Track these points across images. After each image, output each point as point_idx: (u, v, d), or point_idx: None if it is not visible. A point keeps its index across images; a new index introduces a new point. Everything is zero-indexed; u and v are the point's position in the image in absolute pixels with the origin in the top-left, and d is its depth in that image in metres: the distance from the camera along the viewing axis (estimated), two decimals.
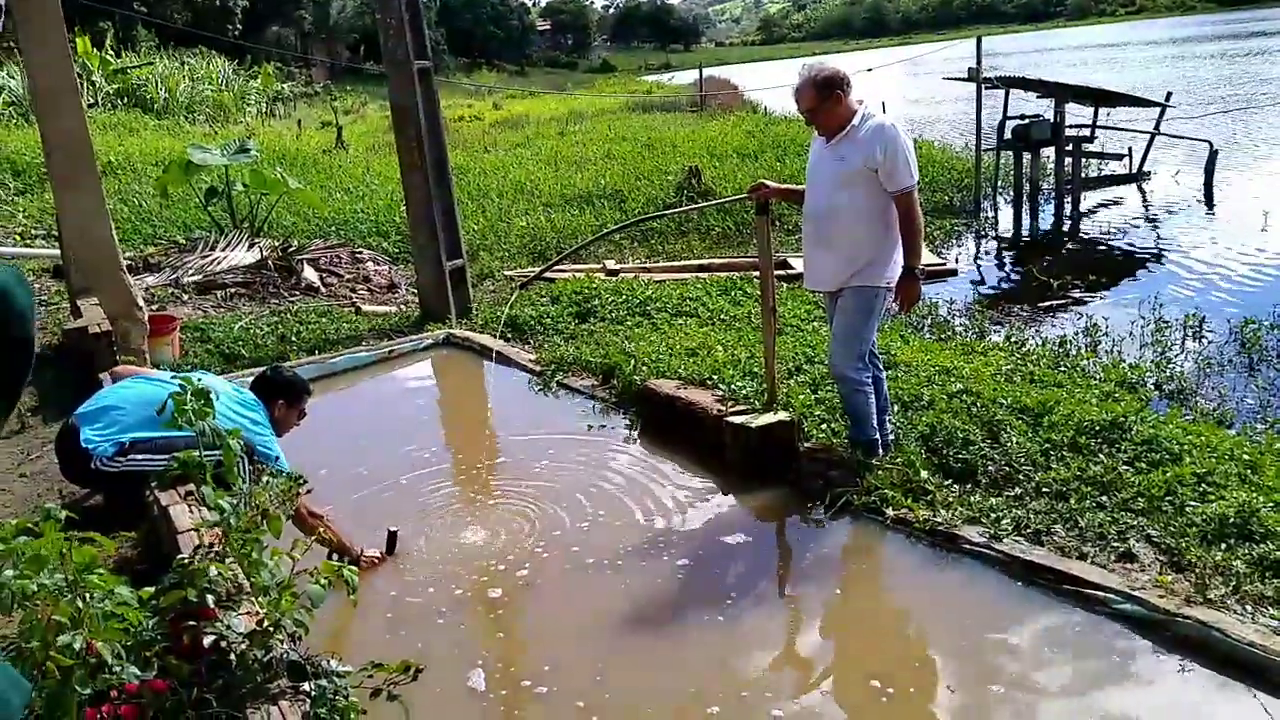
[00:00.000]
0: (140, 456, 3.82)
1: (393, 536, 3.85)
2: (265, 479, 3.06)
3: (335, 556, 3.60)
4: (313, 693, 2.22)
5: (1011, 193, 12.96)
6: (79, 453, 3.88)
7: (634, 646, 3.22)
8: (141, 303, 5.81)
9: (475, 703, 2.95)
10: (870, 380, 4.24)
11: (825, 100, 4.01)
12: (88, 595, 2.04)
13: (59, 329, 6.92)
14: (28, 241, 10.62)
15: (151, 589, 2.29)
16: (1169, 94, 13.78)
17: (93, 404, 4.11)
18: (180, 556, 2.45)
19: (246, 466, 3.48)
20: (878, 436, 4.25)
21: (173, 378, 4.07)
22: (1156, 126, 13.22)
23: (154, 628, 2.22)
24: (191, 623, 2.22)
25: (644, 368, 5.40)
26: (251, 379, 4.51)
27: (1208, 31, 50.37)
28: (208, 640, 2.21)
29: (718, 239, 10.86)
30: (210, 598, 2.28)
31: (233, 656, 2.21)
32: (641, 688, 3.00)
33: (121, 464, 3.84)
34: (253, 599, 2.40)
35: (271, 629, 2.28)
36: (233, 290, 8.30)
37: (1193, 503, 3.62)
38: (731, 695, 2.91)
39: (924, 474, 4.02)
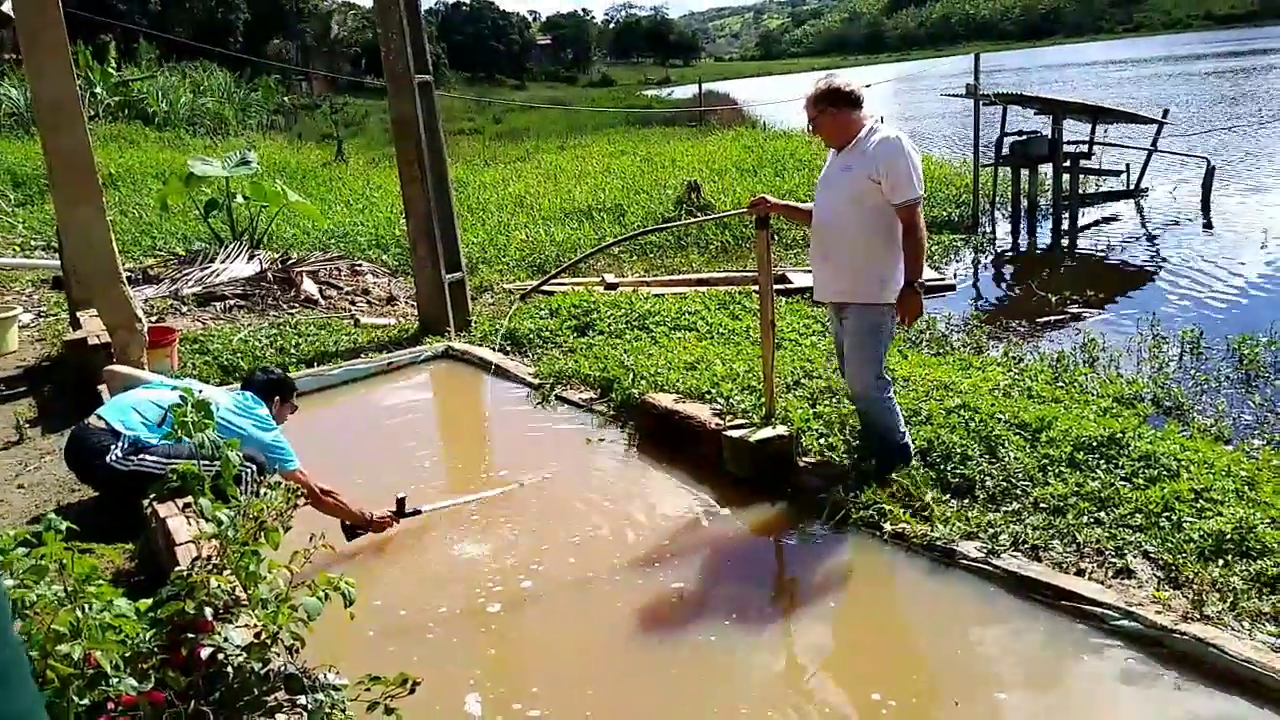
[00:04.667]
0: (150, 459, 3.90)
1: (401, 502, 4.04)
2: (265, 491, 3.07)
3: (350, 526, 3.90)
4: (309, 706, 2.22)
5: (1009, 208, 13.01)
6: (109, 437, 3.96)
7: (631, 663, 3.22)
8: (141, 315, 5.82)
9: None
10: (892, 392, 4.28)
11: (822, 113, 4.10)
12: (87, 606, 2.04)
13: (58, 340, 6.93)
14: (28, 253, 10.65)
15: (149, 601, 2.29)
16: (1165, 111, 13.84)
17: (113, 404, 4.22)
18: (179, 568, 2.45)
19: (249, 476, 3.52)
20: (908, 441, 4.26)
21: (174, 388, 4.17)
22: (1154, 143, 13.27)
23: (151, 639, 2.21)
24: (189, 635, 2.21)
25: (642, 381, 5.40)
26: (241, 382, 4.63)
27: (1199, 50, 50.63)
28: (205, 652, 2.21)
29: (717, 253, 10.90)
30: (209, 610, 2.28)
31: (230, 669, 2.21)
32: (639, 707, 2.99)
33: (133, 463, 3.90)
34: (250, 611, 2.40)
35: (269, 641, 2.27)
36: (232, 302, 8.31)
37: (1190, 519, 3.62)
38: (732, 711, 2.91)
39: (922, 489, 4.02)
